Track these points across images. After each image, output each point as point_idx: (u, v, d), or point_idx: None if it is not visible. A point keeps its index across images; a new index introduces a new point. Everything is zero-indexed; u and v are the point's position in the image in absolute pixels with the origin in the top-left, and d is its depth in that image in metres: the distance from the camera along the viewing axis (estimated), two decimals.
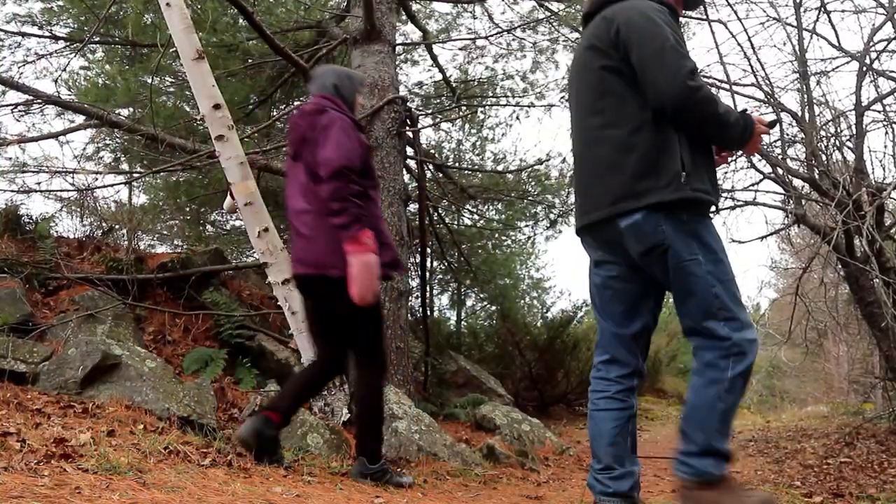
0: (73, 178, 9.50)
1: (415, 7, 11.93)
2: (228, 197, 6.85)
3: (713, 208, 3.57)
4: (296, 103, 12.45)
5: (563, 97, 11.51)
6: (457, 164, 12.92)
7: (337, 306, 4.69)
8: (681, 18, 3.93)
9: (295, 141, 4.80)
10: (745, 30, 8.24)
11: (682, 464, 3.34)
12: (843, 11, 8.38)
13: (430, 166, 10.82)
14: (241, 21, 10.07)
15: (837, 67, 8.40)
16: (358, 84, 5.21)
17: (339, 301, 4.60)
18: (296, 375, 5.23)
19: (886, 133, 8.04)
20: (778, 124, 8.01)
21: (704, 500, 3.28)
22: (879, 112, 8.06)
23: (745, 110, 3.54)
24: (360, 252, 4.44)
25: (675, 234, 3.31)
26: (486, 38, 11.90)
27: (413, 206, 10.63)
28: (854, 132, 7.92)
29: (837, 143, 8.47)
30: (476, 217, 13.78)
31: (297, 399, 5.01)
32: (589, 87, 3.60)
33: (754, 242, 9.15)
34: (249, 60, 10.79)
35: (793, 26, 8.19)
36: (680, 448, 3.38)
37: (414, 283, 10.87)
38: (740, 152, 4.81)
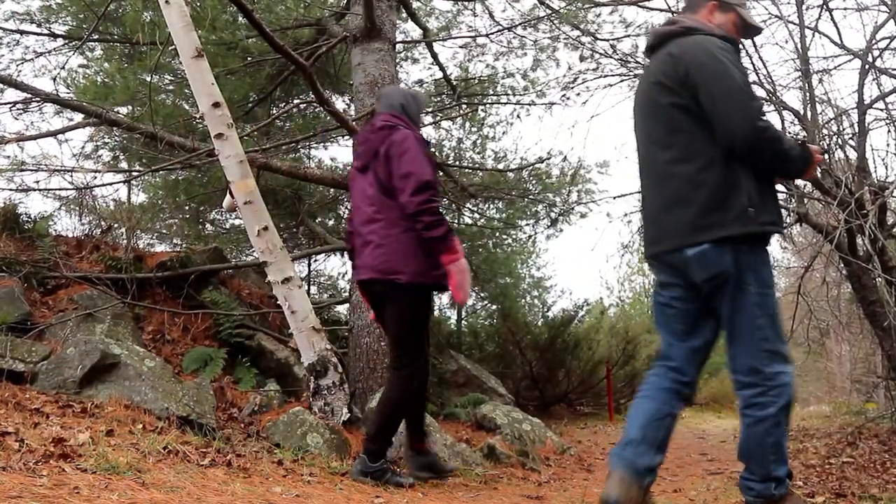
0: (71, 176, 9.49)
1: (415, 5, 11.92)
2: (228, 195, 6.86)
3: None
4: (295, 101, 12.46)
5: (564, 95, 11.50)
6: (457, 163, 12.91)
7: (397, 309, 5.07)
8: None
9: (365, 154, 5.16)
10: None
11: (747, 488, 3.66)
12: (845, 9, 8.35)
13: None
14: (240, 19, 10.06)
15: (840, 65, 8.41)
16: (423, 104, 5.61)
17: (399, 305, 5.04)
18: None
19: (889, 131, 8.05)
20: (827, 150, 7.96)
21: None
22: (882, 110, 8.07)
23: (803, 141, 3.82)
24: (458, 259, 4.89)
25: (735, 265, 3.54)
26: (487, 35, 11.88)
27: None
28: (856, 130, 7.93)
29: (840, 141, 8.47)
30: (476, 216, 13.77)
31: (419, 416, 5.45)
32: (658, 122, 3.80)
33: None
34: (249, 58, 10.78)
35: (795, 24, 8.19)
36: (742, 473, 3.69)
37: None
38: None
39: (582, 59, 11.20)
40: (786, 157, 3.60)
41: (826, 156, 8.10)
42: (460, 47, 12.83)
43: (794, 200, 8.38)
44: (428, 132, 13.54)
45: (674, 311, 3.87)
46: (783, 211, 8.81)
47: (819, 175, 7.95)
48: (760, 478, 3.57)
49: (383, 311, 5.26)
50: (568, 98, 11.44)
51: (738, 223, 3.51)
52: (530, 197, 13.25)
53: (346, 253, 5.58)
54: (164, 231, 14.61)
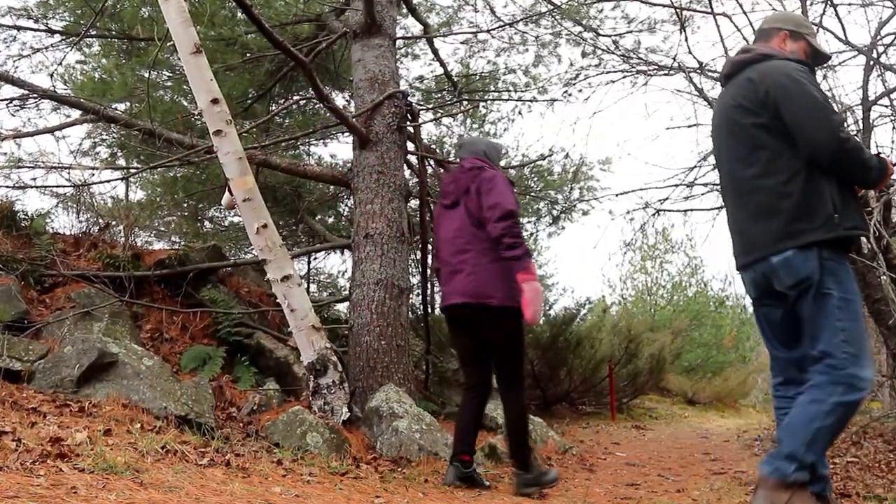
0: (69, 173, 9.50)
1: (415, 0, 11.91)
2: (227, 193, 6.86)
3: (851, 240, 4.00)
4: (295, 98, 12.45)
5: (565, 92, 11.49)
6: (458, 160, 12.92)
7: (493, 331, 5.59)
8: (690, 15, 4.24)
9: (455, 191, 5.76)
10: (751, 23, 8.22)
11: (766, 462, 3.77)
12: (849, 4, 8.35)
13: (431, 161, 10.78)
14: (239, 14, 10.06)
15: (844, 61, 8.37)
16: (501, 152, 6.39)
17: (495, 326, 5.56)
18: (463, 412, 5.86)
19: (894, 128, 8.06)
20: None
21: (776, 499, 3.65)
22: (887, 107, 8.04)
23: (879, 153, 4.10)
24: (533, 280, 5.33)
25: (819, 269, 3.79)
26: (488, 31, 11.87)
27: (414, 202, 10.63)
28: (861, 127, 7.90)
29: None
30: None
31: (474, 431, 5.81)
32: (739, 142, 4.12)
33: None
34: (248, 54, 10.78)
35: None
36: (772, 450, 3.85)
37: (415, 280, 10.86)
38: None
39: (584, 55, 11.21)
40: (866, 166, 3.89)
41: None
42: (461, 43, 12.85)
43: None
44: (428, 129, 13.56)
45: (772, 324, 4.18)
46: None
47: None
48: (786, 454, 3.68)
49: (466, 336, 5.80)
50: (570, 94, 11.46)
51: (824, 229, 3.78)
52: (532, 194, 13.26)
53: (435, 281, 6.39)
54: (163, 228, 14.62)
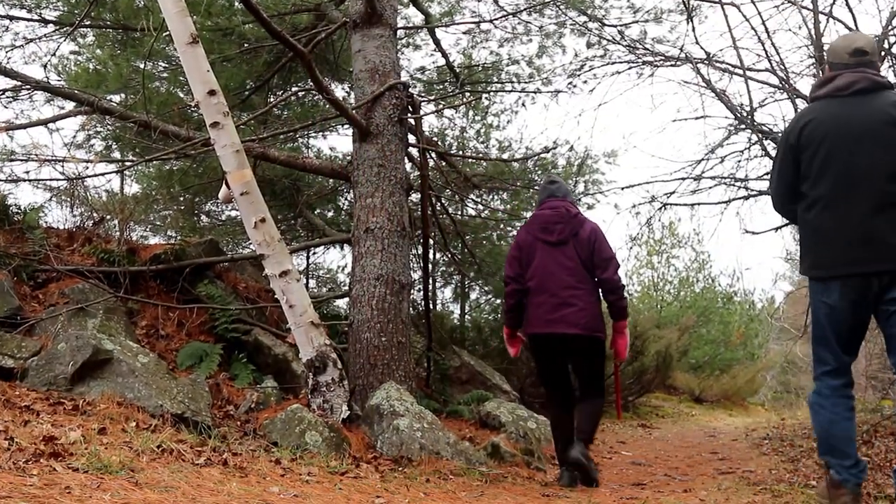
0: (62, 166, 9.49)
1: None
2: (224, 186, 6.85)
3: None
4: (293, 89, 12.43)
5: (570, 83, 11.48)
6: (460, 152, 12.89)
7: (595, 358, 6.54)
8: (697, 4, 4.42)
9: (563, 232, 6.44)
10: (759, 13, 8.18)
11: None
12: None
13: (433, 154, 10.75)
14: (236, 4, 10.04)
15: None
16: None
17: (597, 354, 6.55)
18: (562, 426, 6.51)
19: None
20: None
21: None
22: None
23: None
24: (626, 325, 6.72)
25: None
26: (491, 21, 11.84)
27: (415, 196, 10.60)
28: None
29: None
30: (480, 207, 13.74)
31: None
32: (888, 155, 4.42)
33: (769, 233, 9.16)
34: (245, 45, 10.76)
35: (808, 9, 8.17)
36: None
37: (416, 275, 10.86)
38: None
39: (589, 45, 11.20)
40: None
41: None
42: (463, 33, 12.86)
43: None
44: (430, 121, 13.54)
45: (851, 332, 4.57)
46: None
47: None
48: None
49: (562, 360, 6.55)
50: (574, 86, 11.45)
51: None
52: (536, 187, 13.22)
53: (507, 306, 6.69)
54: (159, 223, 14.59)
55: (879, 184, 4.36)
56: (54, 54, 10.71)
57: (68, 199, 9.83)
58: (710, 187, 10.26)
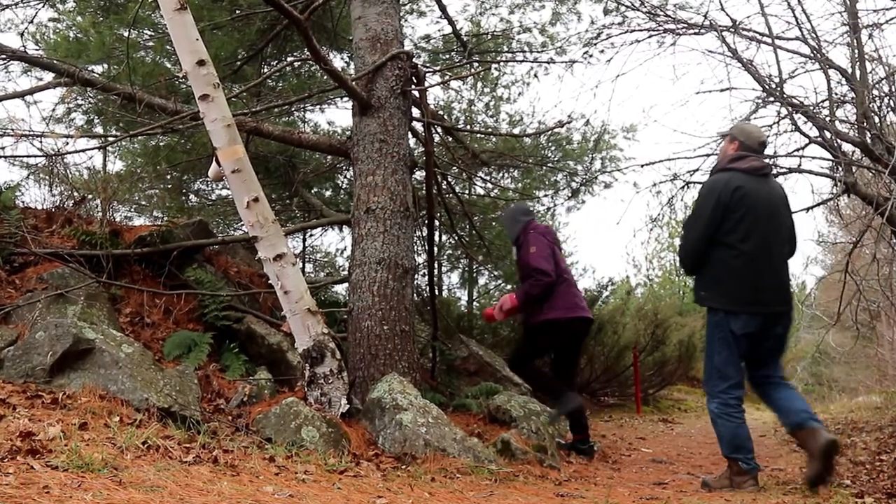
0: (41, 142, 9.46)
1: None
2: (214, 163, 6.84)
3: None
4: (289, 59, 12.41)
5: (585, 52, 11.44)
6: (468, 127, 12.89)
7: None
8: None
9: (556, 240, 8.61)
10: None
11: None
12: None
13: (439, 129, 10.74)
14: None
15: (892, 19, 8.32)
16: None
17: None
18: (576, 413, 8.22)
19: None
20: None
21: None
22: None
23: None
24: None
25: None
26: None
27: (419, 174, 10.60)
28: None
29: (892, 103, 8.42)
30: (489, 185, 13.75)
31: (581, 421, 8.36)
32: (784, 228, 6.32)
33: (799, 214, 9.15)
34: (237, 11, 10.75)
35: None
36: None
37: (420, 259, 10.87)
38: None
39: (606, 12, 11.17)
40: None
41: (877, 119, 8.24)
42: None
43: (840, 169, 8.34)
44: (436, 93, 13.51)
45: (755, 351, 6.26)
46: (830, 179, 8.82)
47: (869, 140, 7.91)
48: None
49: (578, 344, 8.60)
50: (590, 56, 11.37)
51: None
52: (549, 165, 13.23)
53: (538, 295, 8.07)
54: (144, 202, 14.60)
55: (781, 247, 6.29)
56: (32, 21, 10.72)
57: (47, 178, 9.82)
58: None
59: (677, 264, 7.49)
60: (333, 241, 18.64)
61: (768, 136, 6.69)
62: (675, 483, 6.66)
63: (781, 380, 6.32)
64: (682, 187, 10.55)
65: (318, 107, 13.53)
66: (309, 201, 12.93)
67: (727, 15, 9.21)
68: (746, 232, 6.06)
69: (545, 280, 7.91)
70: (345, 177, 13.87)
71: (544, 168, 13.17)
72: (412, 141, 9.66)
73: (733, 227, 6.07)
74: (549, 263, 8.00)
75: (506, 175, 13.91)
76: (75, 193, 9.81)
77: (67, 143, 9.70)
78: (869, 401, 15.89)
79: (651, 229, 11.70)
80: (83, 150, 9.64)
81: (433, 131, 9.93)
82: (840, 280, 9.49)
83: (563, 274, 8.18)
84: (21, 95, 9.84)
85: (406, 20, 12.88)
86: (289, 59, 12.42)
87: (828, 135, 8.20)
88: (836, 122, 8.36)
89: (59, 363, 5.87)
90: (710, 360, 6.28)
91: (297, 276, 6.81)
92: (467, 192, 13.49)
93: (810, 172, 9.04)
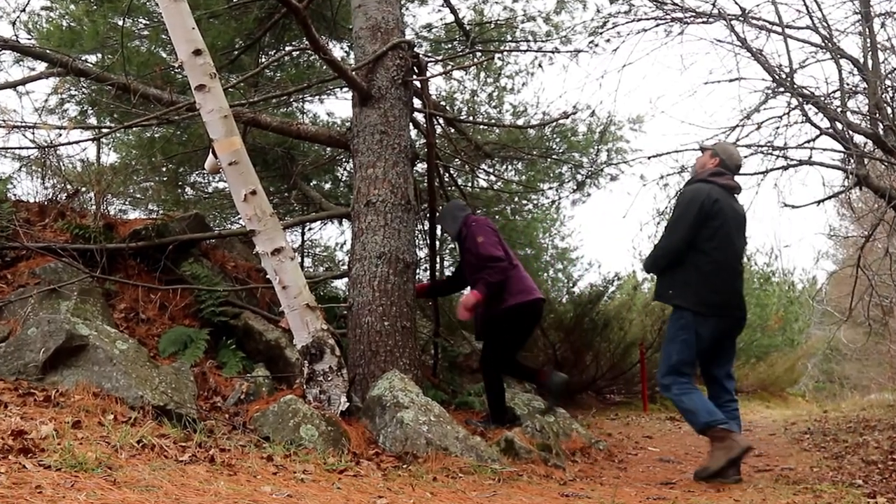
0: (33, 133, 9.44)
1: None
2: (210, 155, 6.84)
3: None
4: (287, 48, 12.39)
5: (591, 42, 11.42)
6: (471, 118, 12.84)
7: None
8: None
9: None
10: None
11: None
12: None
13: (441, 120, 10.72)
14: None
15: None
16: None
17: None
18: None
19: None
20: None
21: None
22: None
23: None
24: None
25: None
26: None
27: (421, 166, 10.59)
28: None
29: None
30: (493, 178, 13.71)
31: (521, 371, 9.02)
32: (742, 240, 7.24)
33: (810, 207, 9.16)
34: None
35: None
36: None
37: (422, 253, 10.85)
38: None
39: (612, 0, 11.13)
40: None
41: (889, 109, 8.25)
42: None
43: (852, 161, 8.33)
44: (438, 84, 13.49)
45: (713, 349, 7.08)
46: (841, 172, 8.82)
47: (882, 131, 7.91)
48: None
49: (526, 328, 8.60)
50: (596, 45, 11.37)
51: None
52: (554, 157, 13.19)
53: (499, 281, 8.16)
54: (139, 195, 14.57)
55: (741, 260, 7.25)
56: (24, 10, 10.68)
57: (39, 170, 9.81)
58: (746, 156, 10.19)
59: (646, 260, 7.44)
60: (333, 235, 18.66)
61: (740, 166, 7.43)
62: (683, 483, 6.66)
63: (728, 377, 7.24)
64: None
65: (318, 97, 13.50)
66: (308, 194, 12.90)
67: (736, 3, 9.20)
68: (719, 241, 6.80)
69: (501, 265, 8.07)
70: (344, 169, 13.84)
71: (549, 160, 13.13)
72: (413, 132, 9.65)
73: (710, 235, 6.78)
74: (500, 250, 8.21)
75: (509, 167, 13.87)
76: (68, 186, 9.79)
77: (60, 135, 9.68)
78: (881, 398, 15.91)
79: (658, 223, 11.66)
80: (76, 142, 9.60)
81: (435, 122, 9.91)
82: (852, 275, 9.49)
83: (512, 260, 8.35)
84: (13, 86, 9.82)
85: (407, 8, 12.87)
86: (287, 48, 12.39)
87: (839, 126, 8.20)
88: (848, 113, 8.36)
89: (51, 360, 5.88)
90: (668, 357, 6.96)
91: (295, 271, 6.81)
92: (470, 184, 13.43)
93: (821, 164, 9.04)
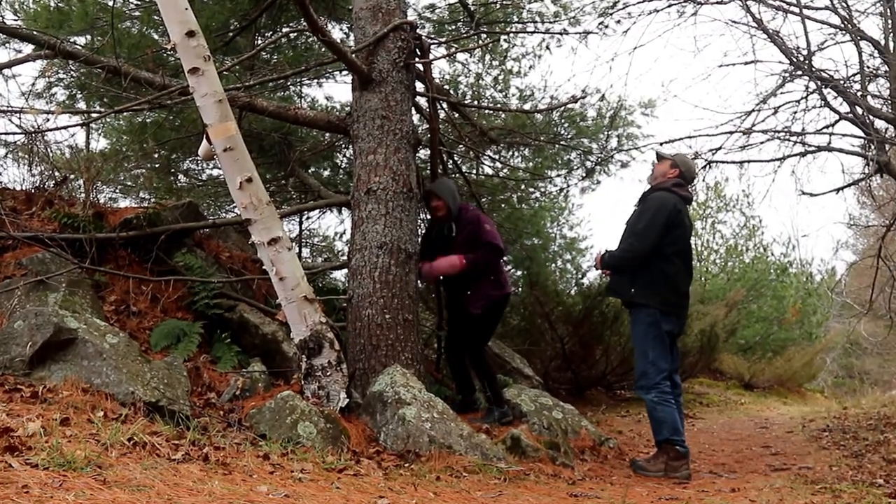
0: (19, 118, 9.44)
1: None
2: (204, 141, 6.83)
3: None
4: (284, 30, 12.38)
5: (601, 23, 11.41)
6: (475, 103, 12.83)
7: None
8: None
9: None
10: None
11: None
12: None
13: (444, 105, 10.70)
14: None
15: None
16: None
17: None
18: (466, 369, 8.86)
19: None
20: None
21: None
22: None
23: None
24: None
25: None
26: None
27: (424, 152, 10.58)
28: None
29: None
30: (498, 165, 13.69)
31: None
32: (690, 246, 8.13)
33: (829, 195, 9.14)
34: None
35: None
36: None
37: None
38: None
39: None
40: None
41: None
42: None
43: (873, 147, 8.32)
44: (441, 66, 13.47)
45: (669, 345, 7.63)
46: (861, 158, 8.81)
47: None
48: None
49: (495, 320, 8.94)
50: (606, 26, 11.37)
51: None
52: (562, 143, 13.17)
53: (489, 265, 8.48)
54: (130, 183, 14.57)
55: (692, 266, 7.96)
56: None
57: (26, 156, 9.82)
58: (762, 142, 10.21)
59: (609, 258, 7.44)
60: (332, 224, 18.69)
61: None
62: (697, 482, 6.66)
63: (676, 372, 7.79)
64: (704, 167, 10.51)
65: (316, 81, 13.48)
66: (306, 182, 12.89)
67: None
68: (679, 247, 7.60)
69: (499, 259, 8.68)
70: (344, 155, 13.83)
71: (557, 146, 13.11)
72: (416, 117, 9.65)
73: (671, 241, 7.50)
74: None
75: (516, 154, 13.84)
76: (57, 173, 9.80)
77: (48, 120, 9.67)
78: None
79: None
80: (65, 127, 9.62)
81: (438, 107, 9.90)
82: (872, 265, 9.50)
83: None
84: None
85: None
86: (284, 29, 12.37)
87: (859, 111, 8.19)
88: (868, 97, 8.34)
89: (39, 354, 5.88)
90: (644, 355, 7.52)
91: (293, 262, 6.81)
92: (475, 171, 13.42)
93: (840, 151, 9.03)
